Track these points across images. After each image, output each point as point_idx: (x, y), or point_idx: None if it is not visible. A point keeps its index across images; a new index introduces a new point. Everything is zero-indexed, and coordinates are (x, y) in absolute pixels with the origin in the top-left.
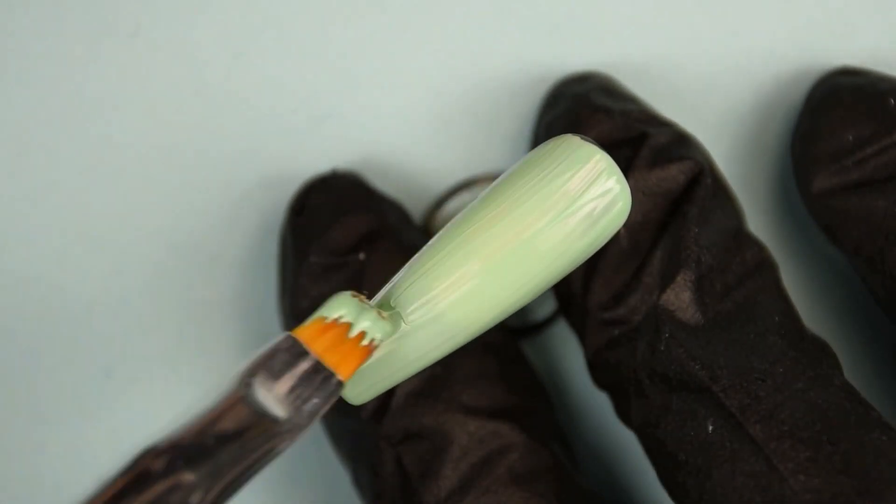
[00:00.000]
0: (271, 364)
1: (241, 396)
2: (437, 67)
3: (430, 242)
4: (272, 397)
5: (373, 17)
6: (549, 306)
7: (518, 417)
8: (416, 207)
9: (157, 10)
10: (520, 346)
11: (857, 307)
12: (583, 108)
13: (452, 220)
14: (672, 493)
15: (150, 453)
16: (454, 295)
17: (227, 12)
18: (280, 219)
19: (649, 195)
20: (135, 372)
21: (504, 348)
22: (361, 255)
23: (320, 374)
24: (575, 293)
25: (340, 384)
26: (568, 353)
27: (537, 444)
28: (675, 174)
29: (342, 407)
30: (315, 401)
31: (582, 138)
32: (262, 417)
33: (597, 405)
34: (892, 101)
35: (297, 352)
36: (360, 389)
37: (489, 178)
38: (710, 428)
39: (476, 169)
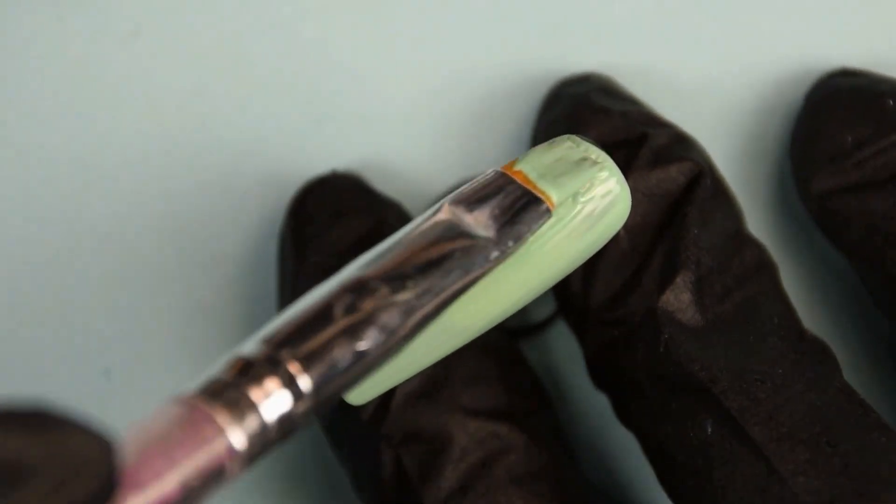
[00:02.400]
0: (474, 194)
1: (441, 217)
2: (437, 68)
3: None
4: (476, 220)
5: (373, 17)
6: (549, 306)
7: (518, 418)
8: (416, 207)
9: (157, 10)
10: (519, 346)
11: (856, 308)
12: (582, 108)
13: None
14: (671, 494)
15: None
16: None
17: (227, 12)
18: (280, 219)
19: (649, 196)
20: (135, 372)
21: (504, 349)
22: None
23: (526, 198)
24: (574, 294)
25: (548, 211)
26: (568, 353)
27: (537, 445)
28: (674, 175)
29: (342, 407)
30: (521, 225)
31: (582, 139)
32: (464, 234)
33: (597, 406)
34: (892, 102)
35: (501, 182)
36: (360, 390)
37: None
38: (710, 429)
39: (476, 169)
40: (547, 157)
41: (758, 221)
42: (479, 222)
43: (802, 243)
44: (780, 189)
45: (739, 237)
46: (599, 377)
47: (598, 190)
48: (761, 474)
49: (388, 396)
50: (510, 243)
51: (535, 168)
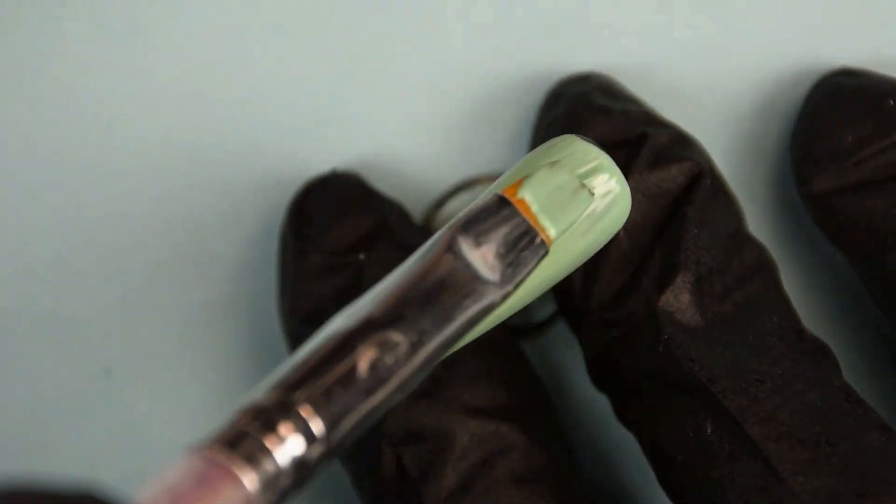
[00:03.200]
0: (479, 224)
1: (448, 255)
2: (437, 68)
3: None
4: (483, 259)
5: (373, 17)
6: (549, 306)
7: (518, 418)
8: (416, 207)
9: (157, 11)
10: (520, 346)
11: (856, 307)
12: (583, 108)
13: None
14: (671, 494)
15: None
16: None
17: (227, 13)
18: (280, 219)
19: (649, 196)
20: (135, 372)
21: (504, 348)
22: (361, 256)
23: (529, 236)
24: (574, 294)
25: (546, 250)
26: (568, 353)
27: (538, 445)
28: (674, 175)
29: None
30: (522, 267)
31: (582, 139)
32: (471, 277)
33: (597, 405)
34: (892, 101)
35: (506, 213)
36: None
37: (489, 178)
38: (709, 429)
39: (476, 169)
40: (548, 183)
41: (758, 221)
42: (487, 262)
43: (802, 243)
44: (780, 189)
45: (739, 237)
46: (599, 377)
47: (599, 190)
48: (761, 474)
49: None
50: (510, 288)
51: (537, 198)
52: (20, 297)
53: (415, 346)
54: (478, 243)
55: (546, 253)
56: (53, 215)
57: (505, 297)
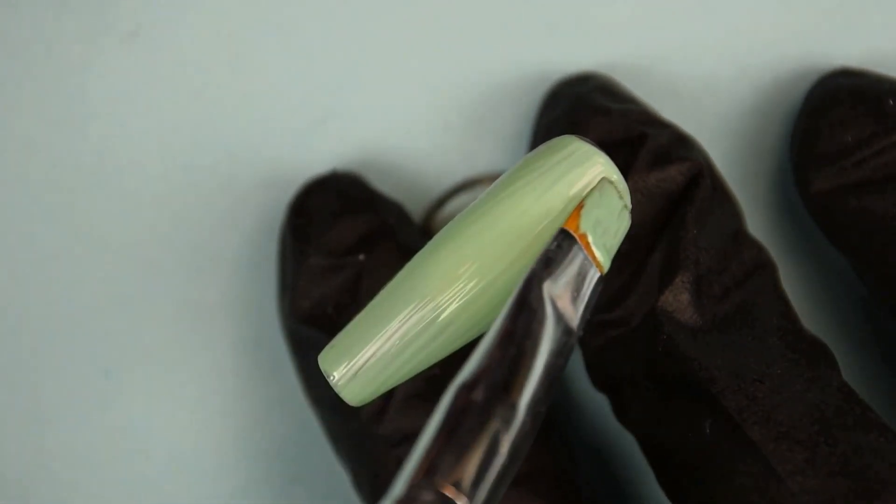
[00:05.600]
0: (556, 268)
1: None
2: (437, 68)
3: (429, 244)
4: (565, 308)
5: (373, 17)
6: None
7: None
8: (416, 207)
9: (156, 10)
10: None
11: (856, 307)
12: (582, 108)
13: (451, 223)
14: (670, 494)
15: (465, 388)
16: (455, 296)
17: (227, 12)
18: (280, 219)
19: (648, 196)
20: (134, 372)
21: None
22: (361, 256)
23: (596, 277)
24: None
25: (602, 280)
26: None
27: (537, 445)
28: (674, 175)
29: (342, 408)
30: (590, 310)
31: (581, 139)
32: (572, 336)
33: (597, 405)
34: (891, 101)
35: (574, 252)
36: (360, 391)
37: (489, 178)
38: (708, 429)
39: (476, 169)
40: (602, 209)
41: (758, 221)
42: (568, 312)
43: (802, 243)
44: (780, 189)
45: (739, 237)
46: (598, 377)
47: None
48: (760, 474)
49: (387, 397)
50: (580, 330)
51: (593, 229)
52: (20, 297)
53: (533, 427)
54: (559, 294)
55: (602, 283)
56: (53, 215)
57: (576, 340)
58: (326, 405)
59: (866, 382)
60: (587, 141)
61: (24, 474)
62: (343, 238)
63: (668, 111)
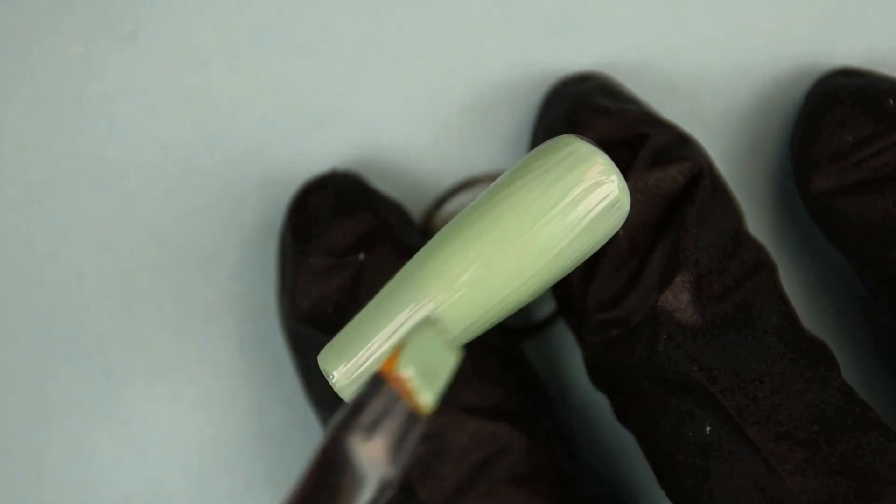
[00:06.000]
0: (363, 416)
1: (341, 463)
2: (437, 68)
3: (428, 244)
4: (372, 460)
5: (372, 17)
6: (549, 306)
7: (518, 418)
8: (416, 207)
9: (157, 11)
10: (520, 346)
11: (856, 307)
12: (582, 108)
13: (450, 223)
14: (670, 494)
15: None
16: (454, 296)
17: (227, 13)
18: (280, 219)
19: (648, 196)
20: (134, 373)
21: (504, 349)
22: (361, 256)
23: (412, 419)
24: (574, 294)
25: (424, 421)
26: (568, 353)
27: (537, 445)
28: (674, 175)
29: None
30: (408, 456)
31: (581, 139)
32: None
33: (597, 405)
34: (892, 101)
35: (385, 395)
36: (356, 387)
37: (489, 178)
38: (708, 429)
39: (476, 169)
40: (420, 348)
41: (758, 221)
42: (382, 462)
43: (802, 243)
44: (779, 189)
45: (739, 237)
46: (598, 377)
47: (598, 190)
48: (759, 473)
49: None
50: (398, 472)
51: (413, 370)
52: (20, 297)
53: None
54: (371, 442)
55: (424, 422)
56: (53, 215)
57: (395, 485)
58: (327, 405)
59: (866, 382)
60: (587, 141)
61: (25, 474)
62: (343, 238)
63: (668, 111)
